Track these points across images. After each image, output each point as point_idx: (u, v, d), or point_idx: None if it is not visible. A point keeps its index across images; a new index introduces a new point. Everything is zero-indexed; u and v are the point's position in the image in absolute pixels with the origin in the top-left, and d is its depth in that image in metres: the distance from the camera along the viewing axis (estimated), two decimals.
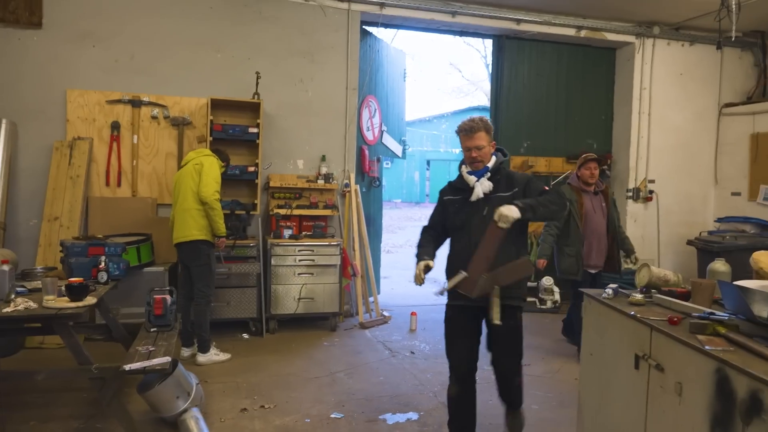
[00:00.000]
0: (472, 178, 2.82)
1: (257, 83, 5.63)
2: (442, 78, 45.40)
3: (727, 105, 7.35)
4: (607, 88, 7.42)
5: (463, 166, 2.91)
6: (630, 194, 7.15)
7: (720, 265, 2.55)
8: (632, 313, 2.16)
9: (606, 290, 2.46)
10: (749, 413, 1.49)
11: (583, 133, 7.33)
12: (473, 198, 2.78)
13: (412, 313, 6.06)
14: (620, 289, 2.53)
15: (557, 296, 6.76)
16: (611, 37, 7.00)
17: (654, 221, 7.19)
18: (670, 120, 7.23)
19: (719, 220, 7.09)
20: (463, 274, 2.59)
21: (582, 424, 2.71)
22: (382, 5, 6.16)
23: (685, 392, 1.83)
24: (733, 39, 5.64)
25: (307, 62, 6.04)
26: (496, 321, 2.56)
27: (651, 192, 7.16)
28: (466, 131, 2.82)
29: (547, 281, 6.75)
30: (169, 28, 5.64)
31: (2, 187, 5.09)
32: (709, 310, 2.05)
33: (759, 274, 2.20)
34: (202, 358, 4.61)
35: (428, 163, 29.22)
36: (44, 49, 5.35)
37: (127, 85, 5.54)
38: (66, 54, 5.39)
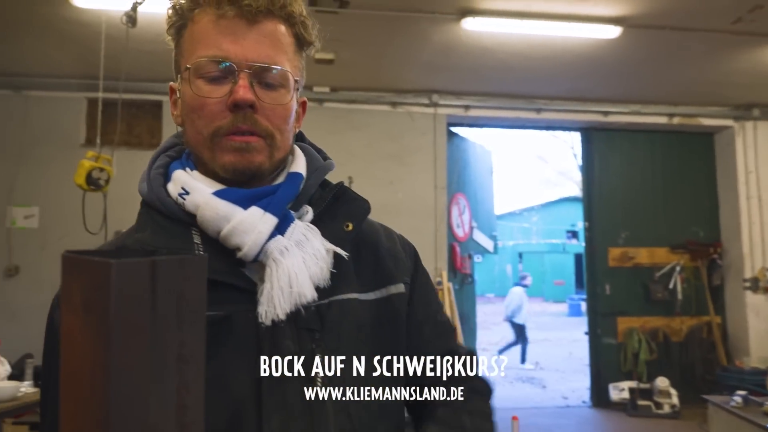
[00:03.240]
0: (246, 213, 0.75)
1: (350, 187, 5.89)
2: (530, 170, 45.47)
3: None
4: (708, 173, 7.08)
5: (183, 173, 0.82)
6: (747, 284, 6.57)
7: None
8: None
9: (734, 397, 2.21)
10: None
11: (686, 221, 6.95)
12: (265, 307, 0.72)
13: (514, 418, 5.69)
14: (750, 396, 2.26)
15: (675, 399, 6.15)
16: (707, 122, 6.78)
17: None
18: None
19: None
20: None
21: None
22: (467, 107, 6.38)
23: None
24: None
25: (397, 165, 6.28)
26: None
27: None
28: (230, 3, 0.76)
29: (662, 382, 6.18)
30: None
31: None
32: None
33: None
34: None
35: (520, 255, 28.64)
36: None
37: None
38: None
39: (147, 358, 0.39)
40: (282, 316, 0.71)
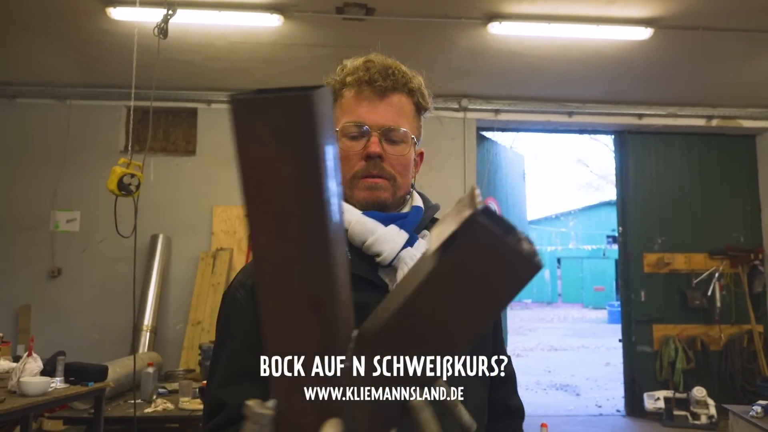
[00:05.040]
0: (387, 229, 1.01)
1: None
2: (570, 174, 44.73)
3: None
4: (749, 177, 6.85)
5: (345, 206, 1.04)
6: None
7: None
8: None
9: (754, 407, 2.15)
10: None
11: (725, 226, 6.73)
12: None
13: (543, 425, 5.62)
14: None
15: (713, 410, 5.95)
16: (747, 124, 6.56)
17: None
18: None
19: None
20: None
21: None
22: (497, 111, 6.35)
23: None
24: None
25: (426, 169, 6.22)
26: None
27: None
28: (373, 73, 1.05)
29: (699, 392, 5.99)
30: None
31: (155, 294, 5.69)
32: None
33: None
34: None
35: (558, 261, 28.15)
36: (196, 172, 6.12)
37: None
38: (214, 175, 6.11)
39: (333, 167, 0.46)
40: None
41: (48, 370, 2.81)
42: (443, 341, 0.51)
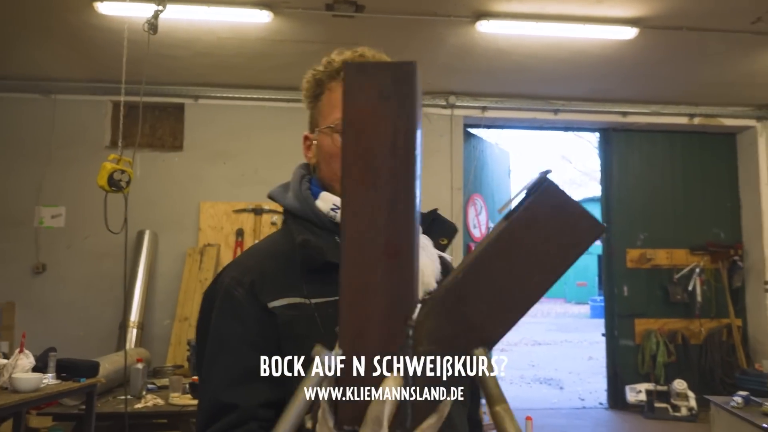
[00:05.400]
0: None
1: None
2: (554, 170, 45.21)
3: None
4: (729, 174, 6.99)
5: (329, 194, 1.09)
6: None
7: None
8: (765, 426, 1.93)
9: (734, 398, 2.23)
10: None
11: (706, 222, 6.87)
12: None
13: (528, 418, 5.70)
14: (752, 397, 2.27)
15: (693, 402, 6.08)
16: (728, 122, 6.70)
17: None
18: None
19: None
20: None
21: None
22: (483, 109, 6.41)
23: None
24: None
25: None
26: None
27: None
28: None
29: (680, 385, 6.12)
30: (289, 143, 6.20)
31: (142, 290, 5.67)
32: None
33: None
34: None
35: None
36: (183, 168, 6.09)
37: (251, 196, 6.10)
38: (201, 171, 6.09)
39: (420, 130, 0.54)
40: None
41: (39, 366, 2.81)
42: (510, 299, 0.55)
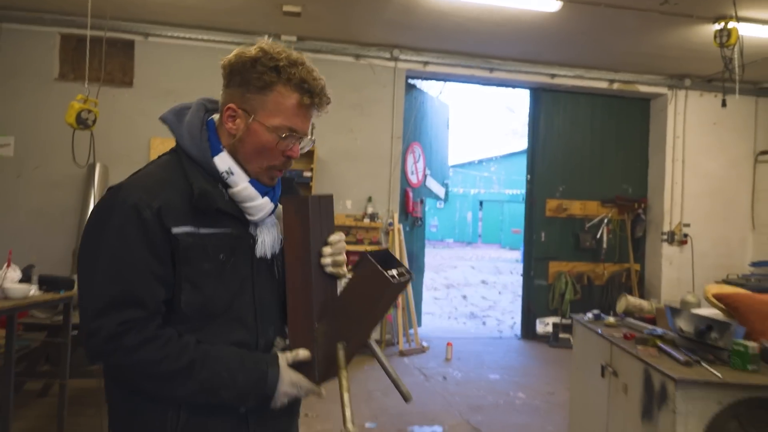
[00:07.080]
0: (263, 200, 1.32)
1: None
2: (501, 121, 46.25)
3: (763, 152, 7.55)
4: (641, 136, 7.78)
5: (228, 158, 1.30)
6: (665, 237, 7.40)
7: (690, 297, 2.94)
8: (599, 331, 2.60)
9: (588, 314, 2.91)
10: (660, 401, 1.91)
11: (618, 178, 7.69)
12: (260, 247, 1.33)
13: (448, 344, 6.49)
14: (602, 314, 2.96)
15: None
16: (644, 89, 7.41)
17: (689, 264, 7.38)
18: (704, 167, 7.50)
19: (754, 264, 7.21)
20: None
21: (571, 426, 3.15)
22: (425, 63, 6.84)
23: (629, 391, 2.26)
24: (737, 96, 6.01)
25: (357, 114, 6.76)
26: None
27: (686, 236, 7.38)
28: (315, 95, 1.32)
29: None
30: None
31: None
32: (661, 330, 2.47)
33: (711, 303, 2.59)
34: None
35: (481, 204, 29.61)
36: (133, 104, 6.29)
37: None
38: (151, 108, 6.28)
39: (318, 232, 1.29)
40: (268, 255, 1.34)
41: (23, 279, 3.20)
42: (357, 319, 1.25)
